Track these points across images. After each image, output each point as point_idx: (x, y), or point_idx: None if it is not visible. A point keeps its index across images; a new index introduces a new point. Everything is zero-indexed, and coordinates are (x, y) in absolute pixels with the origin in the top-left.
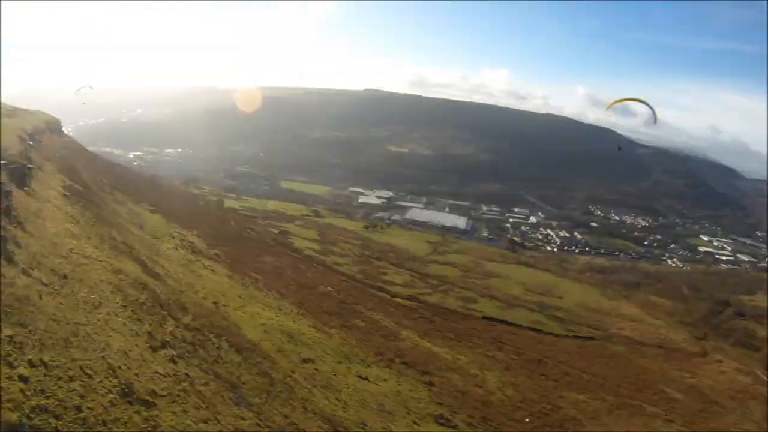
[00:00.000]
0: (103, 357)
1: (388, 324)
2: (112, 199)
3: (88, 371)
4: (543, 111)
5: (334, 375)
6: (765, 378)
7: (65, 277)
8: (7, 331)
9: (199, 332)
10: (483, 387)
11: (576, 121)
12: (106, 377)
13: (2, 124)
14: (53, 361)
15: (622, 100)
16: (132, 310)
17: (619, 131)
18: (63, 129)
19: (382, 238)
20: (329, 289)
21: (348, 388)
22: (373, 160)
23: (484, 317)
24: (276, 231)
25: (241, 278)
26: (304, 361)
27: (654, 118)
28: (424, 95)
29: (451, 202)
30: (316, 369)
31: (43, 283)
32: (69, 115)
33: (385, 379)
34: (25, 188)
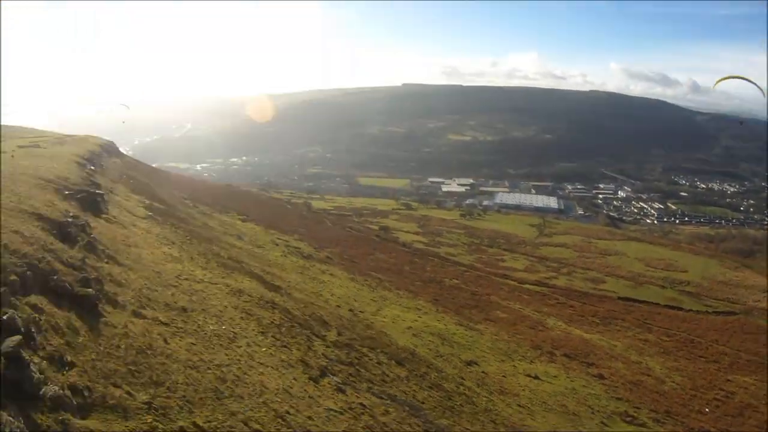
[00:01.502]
0: (264, 403)
1: (530, 313)
2: (198, 212)
3: (255, 425)
4: (586, 89)
5: (504, 377)
6: None
7: (185, 310)
8: (142, 397)
9: (351, 348)
10: (651, 375)
11: (623, 95)
12: (278, 429)
13: (54, 152)
14: (209, 421)
15: (726, 78)
16: (272, 336)
17: (668, 101)
18: (120, 150)
19: (482, 224)
20: (455, 281)
21: (523, 390)
22: (439, 150)
23: (620, 298)
24: (375, 227)
25: (363, 279)
26: (468, 364)
27: (763, 92)
28: (463, 84)
29: (534, 183)
30: (484, 372)
31: (162, 323)
32: (115, 135)
33: (555, 376)
34: (103, 216)
